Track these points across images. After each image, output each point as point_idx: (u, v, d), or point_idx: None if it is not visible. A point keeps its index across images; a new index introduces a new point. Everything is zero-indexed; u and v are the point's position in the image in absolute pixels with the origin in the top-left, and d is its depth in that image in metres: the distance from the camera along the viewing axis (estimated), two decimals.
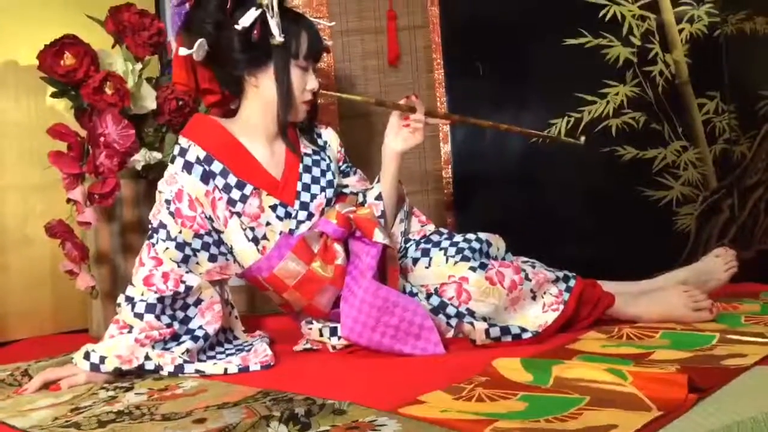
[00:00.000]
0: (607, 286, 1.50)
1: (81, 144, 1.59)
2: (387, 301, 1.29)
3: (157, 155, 1.73)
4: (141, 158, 1.68)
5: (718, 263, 1.60)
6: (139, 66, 1.72)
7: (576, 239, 2.03)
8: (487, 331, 1.32)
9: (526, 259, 1.58)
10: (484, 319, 1.35)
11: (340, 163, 1.54)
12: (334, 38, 2.15)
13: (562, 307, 1.37)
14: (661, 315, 1.42)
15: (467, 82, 2.10)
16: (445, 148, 2.11)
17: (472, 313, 1.35)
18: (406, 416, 0.89)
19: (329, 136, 1.54)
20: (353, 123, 2.10)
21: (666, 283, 1.58)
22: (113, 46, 1.74)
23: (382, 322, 1.29)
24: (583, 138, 1.57)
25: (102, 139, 1.56)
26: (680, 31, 2.03)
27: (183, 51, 1.34)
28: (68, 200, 1.55)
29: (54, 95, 1.68)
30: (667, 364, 1.05)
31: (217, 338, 1.42)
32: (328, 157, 1.49)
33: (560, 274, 1.43)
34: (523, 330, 1.34)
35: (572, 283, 1.42)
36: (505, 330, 1.33)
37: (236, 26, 1.29)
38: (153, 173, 1.76)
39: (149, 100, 1.73)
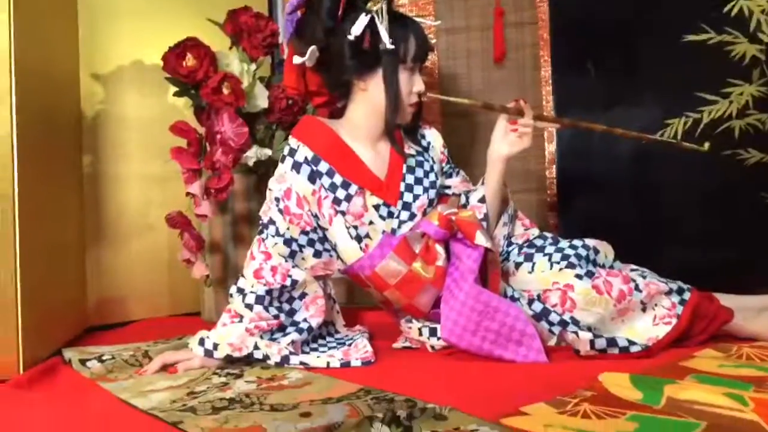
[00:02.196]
0: (726, 300, 1.41)
1: (199, 140, 1.69)
2: (488, 306, 1.28)
3: (268, 152, 1.80)
4: (253, 155, 1.76)
5: None
6: (253, 67, 1.79)
7: (691, 247, 1.92)
8: (592, 342, 1.28)
9: (635, 267, 1.51)
10: (589, 329, 1.31)
11: (443, 164, 1.54)
12: (439, 36, 2.15)
13: (675, 320, 1.31)
14: None
15: (575, 80, 2.03)
16: (550, 148, 2.06)
17: (576, 322, 1.31)
18: (509, 428, 0.88)
19: (433, 136, 1.54)
20: (456, 122, 2.09)
21: None
22: (230, 48, 1.83)
23: (483, 326, 1.28)
24: (707, 144, 1.48)
25: (218, 136, 1.65)
26: None
27: (297, 59, 1.38)
28: (187, 193, 1.65)
29: (176, 94, 1.78)
30: None
31: (320, 331, 1.47)
32: (431, 158, 1.49)
33: (674, 285, 1.36)
34: (632, 343, 1.29)
35: (687, 295, 1.35)
36: (611, 342, 1.28)
37: (348, 35, 1.31)
38: (263, 168, 1.83)
39: (262, 100, 1.80)
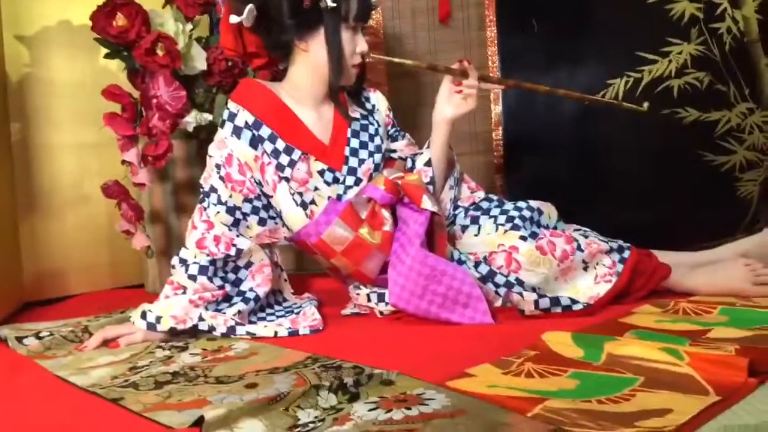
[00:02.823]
0: (664, 256, 1.46)
1: (134, 105, 1.61)
2: (435, 270, 1.28)
3: (208, 116, 1.74)
4: (192, 120, 1.69)
5: None
6: (189, 26, 1.71)
7: (632, 205, 1.97)
8: (536, 302, 1.31)
9: (578, 227, 1.54)
10: (534, 290, 1.33)
11: (389, 127, 1.52)
12: None
13: (615, 278, 1.34)
14: (720, 288, 1.37)
15: (520, 39, 2.03)
16: (496, 109, 2.06)
17: (521, 283, 1.33)
18: (454, 390, 0.89)
19: (377, 99, 1.51)
20: (402, 83, 2.06)
21: (726, 254, 1.53)
22: (164, 6, 1.74)
23: (430, 290, 1.28)
24: (646, 104, 1.50)
25: (154, 101, 1.58)
26: None
27: (234, 18, 1.32)
28: (123, 162, 1.58)
29: (107, 56, 1.69)
30: (726, 343, 1.01)
31: (267, 300, 1.44)
32: (377, 121, 1.47)
33: (614, 244, 1.40)
34: (574, 301, 1.32)
35: (627, 254, 1.38)
36: (554, 301, 1.31)
37: None
38: (204, 133, 1.77)
39: (199, 61, 1.73)
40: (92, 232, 1.89)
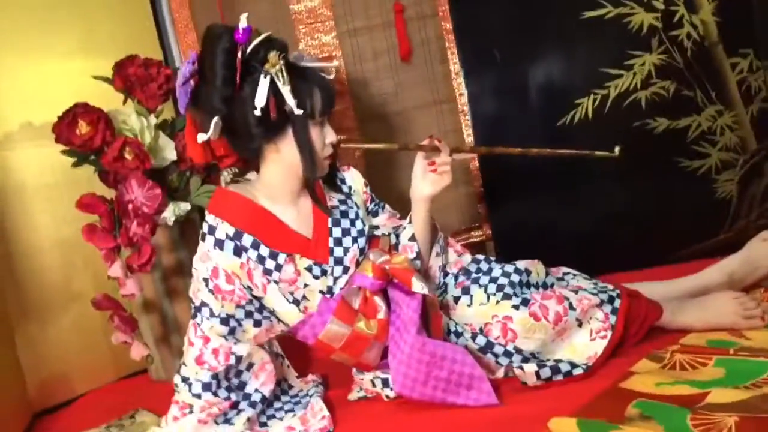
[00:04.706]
0: (652, 291, 1.49)
1: (111, 213, 1.59)
2: (434, 356, 1.30)
3: (186, 206, 1.73)
4: (170, 214, 1.68)
5: (766, 248, 1.57)
6: (153, 120, 1.69)
7: (613, 218, 2.00)
8: (537, 374, 1.33)
9: (567, 270, 1.57)
10: (533, 355, 1.35)
11: (368, 204, 1.52)
12: (343, 40, 2.09)
13: (609, 333, 1.36)
14: (711, 323, 1.41)
15: (485, 69, 2.03)
16: (468, 140, 2.07)
17: (519, 351, 1.35)
18: None
19: (352, 179, 1.50)
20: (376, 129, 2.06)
21: (713, 276, 1.56)
22: (124, 102, 1.72)
23: (432, 376, 1.30)
24: (617, 149, 1.52)
25: (130, 206, 1.56)
26: None
27: (202, 137, 1.30)
28: (109, 278, 1.57)
29: (75, 165, 1.67)
30: (725, 412, 1.04)
31: (273, 392, 1.46)
32: (356, 203, 1.47)
33: (605, 296, 1.41)
34: (573, 365, 1.34)
35: (617, 303, 1.40)
36: (555, 369, 1.34)
37: (254, 110, 1.24)
38: (183, 217, 1.76)
39: (168, 151, 1.72)
40: (88, 328, 1.88)
